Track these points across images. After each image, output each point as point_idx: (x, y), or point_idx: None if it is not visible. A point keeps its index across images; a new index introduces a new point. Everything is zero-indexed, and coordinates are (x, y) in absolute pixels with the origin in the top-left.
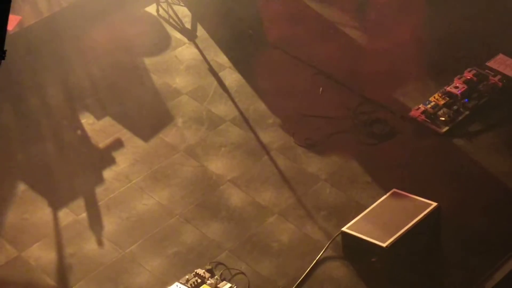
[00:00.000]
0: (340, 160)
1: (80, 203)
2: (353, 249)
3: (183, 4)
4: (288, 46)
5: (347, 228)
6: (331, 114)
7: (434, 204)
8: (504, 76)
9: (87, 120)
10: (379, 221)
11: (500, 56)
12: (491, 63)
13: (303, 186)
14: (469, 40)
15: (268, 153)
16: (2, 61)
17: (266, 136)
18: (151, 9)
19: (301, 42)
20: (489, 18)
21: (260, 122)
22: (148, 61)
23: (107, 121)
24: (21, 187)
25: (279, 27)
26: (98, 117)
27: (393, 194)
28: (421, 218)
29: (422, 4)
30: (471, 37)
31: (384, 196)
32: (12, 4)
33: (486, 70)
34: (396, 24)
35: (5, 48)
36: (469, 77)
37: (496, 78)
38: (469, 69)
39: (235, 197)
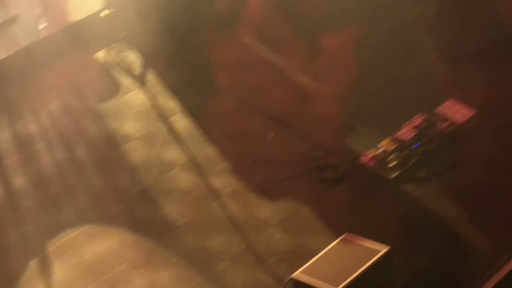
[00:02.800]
0: (292, 205)
1: (30, 247)
2: None
3: (133, 50)
4: (239, 92)
5: (299, 274)
6: (282, 159)
7: (386, 247)
8: (453, 122)
9: (35, 166)
10: (331, 266)
11: (449, 102)
12: (440, 109)
13: (254, 231)
14: (419, 85)
15: (219, 198)
16: None
17: (217, 181)
18: (102, 54)
19: (252, 87)
20: (439, 63)
21: (211, 167)
22: (98, 107)
23: (55, 165)
24: None
25: (229, 73)
26: (47, 163)
27: (345, 238)
28: (373, 262)
29: (372, 51)
30: (421, 82)
31: (336, 241)
32: None
33: (436, 116)
34: (346, 69)
35: None
36: (418, 123)
37: (445, 124)
38: (418, 115)
39: (186, 243)
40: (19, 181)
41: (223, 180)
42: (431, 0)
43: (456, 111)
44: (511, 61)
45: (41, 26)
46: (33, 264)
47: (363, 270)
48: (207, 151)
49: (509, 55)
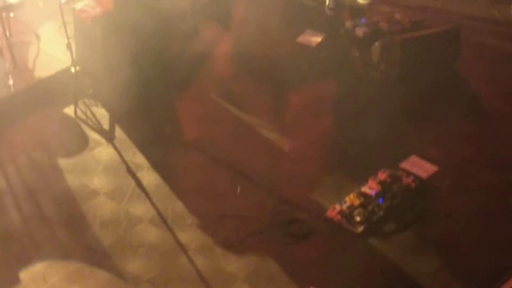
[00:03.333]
0: (259, 260)
1: None
2: None
3: (101, 106)
4: (206, 147)
5: None
6: (249, 213)
7: None
8: (417, 177)
9: (2, 220)
10: None
11: (413, 157)
12: (404, 164)
13: (222, 285)
14: (383, 141)
15: (186, 253)
16: None
17: (184, 236)
18: (70, 110)
19: (219, 142)
20: (402, 120)
21: (178, 222)
22: (65, 162)
23: (22, 222)
24: None
25: (197, 128)
26: (14, 218)
27: None
28: None
29: (338, 107)
30: (385, 138)
31: None
32: None
33: (400, 171)
34: (312, 125)
35: None
36: (383, 178)
37: (409, 179)
38: (383, 170)
39: None
40: None
41: (191, 235)
42: (395, 58)
43: (419, 167)
44: (472, 118)
45: (10, 82)
46: None
47: None
48: (174, 206)
49: (469, 113)
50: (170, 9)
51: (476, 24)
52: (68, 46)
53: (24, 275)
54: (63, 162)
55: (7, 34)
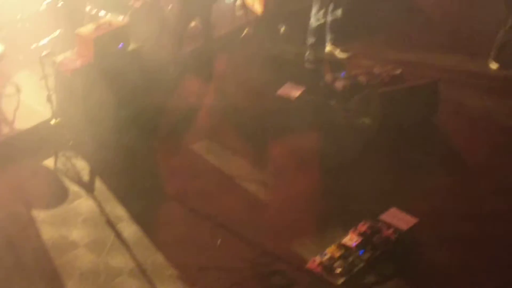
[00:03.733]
0: None
1: None
2: None
3: (81, 157)
4: (187, 199)
5: None
6: (230, 265)
7: None
8: (397, 229)
9: None
10: None
11: (393, 209)
12: (384, 217)
13: None
14: (364, 193)
15: None
16: None
17: None
18: (50, 162)
19: (200, 194)
20: (382, 172)
21: (158, 274)
22: (45, 214)
23: (2, 274)
24: None
25: (177, 180)
26: None
27: None
28: None
29: (318, 158)
30: (365, 190)
31: None
32: None
33: (380, 223)
34: (293, 177)
35: None
36: (363, 230)
37: (390, 231)
38: (363, 222)
39: None
40: None
41: (171, 287)
42: (374, 111)
43: (399, 219)
44: (451, 172)
45: None
46: None
47: None
48: (154, 258)
49: (447, 166)
50: (152, 61)
51: (455, 77)
52: (49, 98)
53: None
54: (42, 214)
55: None
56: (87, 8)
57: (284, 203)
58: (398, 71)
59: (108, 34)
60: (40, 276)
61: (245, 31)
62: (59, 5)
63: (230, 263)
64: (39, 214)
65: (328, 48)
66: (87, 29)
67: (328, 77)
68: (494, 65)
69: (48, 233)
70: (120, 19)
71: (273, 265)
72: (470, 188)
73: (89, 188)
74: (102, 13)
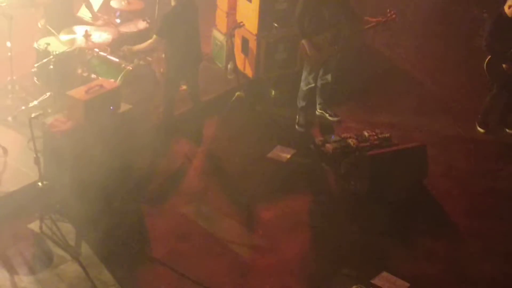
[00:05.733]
0: None
1: None
2: None
3: (67, 221)
4: (174, 263)
5: None
6: None
7: None
8: None
9: None
10: None
11: (384, 274)
12: (375, 281)
13: None
14: (355, 257)
15: None
16: None
17: None
18: (35, 225)
19: (188, 258)
20: (373, 235)
21: None
22: (28, 279)
23: None
24: None
25: (165, 243)
26: None
27: None
28: None
29: (309, 221)
30: (357, 254)
31: None
32: None
33: None
34: (283, 241)
35: None
36: None
37: None
38: (355, 287)
39: None
40: None
41: None
42: (364, 174)
43: (391, 283)
44: (440, 234)
45: None
46: None
47: None
48: None
49: (437, 228)
50: (142, 124)
51: (443, 141)
52: (36, 160)
53: None
54: (25, 280)
55: None
56: (78, 71)
57: (275, 266)
58: (387, 135)
59: (100, 97)
60: None
61: (236, 94)
62: (50, 67)
63: None
64: (22, 280)
65: (318, 111)
66: (78, 91)
67: (318, 140)
68: (481, 130)
69: None
70: (111, 81)
71: None
72: (460, 252)
73: (74, 252)
74: (93, 75)
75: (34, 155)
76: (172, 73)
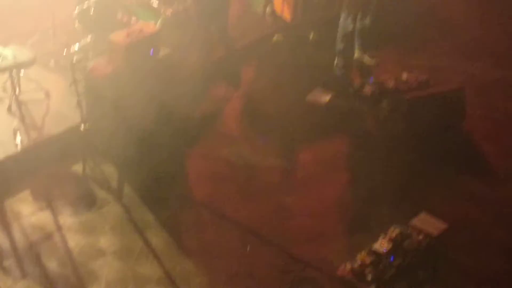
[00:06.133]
0: None
1: None
2: None
3: (110, 163)
4: (215, 205)
5: None
6: (259, 273)
7: None
8: (427, 234)
9: (4, 283)
10: None
11: (423, 214)
12: (414, 222)
13: None
14: (394, 198)
15: None
16: None
17: None
18: (78, 167)
19: (229, 200)
20: (411, 177)
21: (187, 282)
22: (72, 220)
23: (26, 284)
24: None
25: (206, 186)
26: (17, 280)
27: None
28: None
29: (348, 163)
30: (395, 195)
31: None
32: None
33: (410, 229)
34: (323, 182)
35: None
36: (394, 235)
37: (420, 237)
38: (393, 227)
39: None
40: None
41: None
42: (402, 117)
43: (430, 224)
44: (479, 176)
45: (18, 139)
46: None
47: None
48: (183, 265)
49: (476, 170)
50: (180, 67)
51: (483, 84)
52: (78, 103)
53: None
54: (69, 221)
55: (17, 91)
56: (119, 15)
57: (314, 208)
58: (424, 77)
59: (140, 41)
60: (66, 285)
61: (274, 38)
62: (91, 11)
63: (260, 270)
64: (66, 221)
65: (356, 54)
66: (119, 35)
67: (356, 82)
68: None
69: (74, 241)
70: (151, 25)
71: (303, 272)
72: (500, 193)
73: (117, 194)
74: (133, 19)
75: (76, 99)
76: (202, 18)
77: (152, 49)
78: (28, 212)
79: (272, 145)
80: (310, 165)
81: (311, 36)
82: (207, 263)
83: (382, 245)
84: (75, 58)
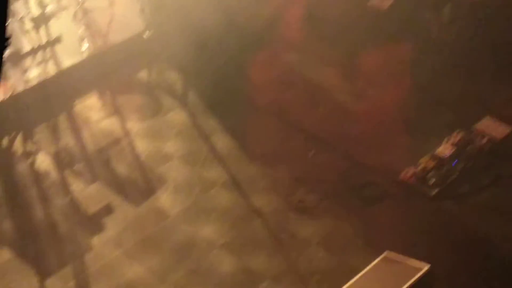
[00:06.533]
0: (332, 224)
1: (68, 271)
2: None
3: (174, 70)
4: (279, 110)
5: None
6: (322, 177)
7: (426, 266)
8: (491, 138)
9: (77, 186)
10: (373, 285)
11: (487, 118)
12: (478, 126)
13: (295, 250)
14: (457, 102)
15: (259, 217)
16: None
17: (257, 200)
18: (143, 75)
19: (292, 106)
20: (476, 81)
21: (251, 186)
22: (139, 126)
23: (97, 187)
24: (7, 255)
25: (270, 92)
26: (88, 183)
27: (385, 257)
28: (413, 280)
29: (410, 69)
30: (459, 99)
31: (377, 260)
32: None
33: (474, 133)
34: (385, 88)
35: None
36: (457, 140)
37: (484, 141)
38: (457, 132)
39: (227, 263)
40: (59, 202)
41: (264, 199)
42: (465, 21)
43: (493, 128)
44: (500, 81)
45: (84, 47)
46: (72, 286)
47: None
48: (247, 170)
49: None
50: None
51: None
52: (142, 10)
53: (97, 241)
54: (136, 127)
55: None
56: None
57: (376, 114)
58: None
59: None
60: (134, 188)
61: None
62: None
63: (323, 175)
64: (133, 127)
65: None
66: None
67: None
68: None
69: (142, 146)
70: None
71: (365, 177)
72: None
73: (182, 100)
74: None
75: (140, 5)
76: None
77: None
78: (96, 118)
79: (334, 51)
80: (372, 71)
81: None
82: (271, 168)
83: (445, 149)
84: None
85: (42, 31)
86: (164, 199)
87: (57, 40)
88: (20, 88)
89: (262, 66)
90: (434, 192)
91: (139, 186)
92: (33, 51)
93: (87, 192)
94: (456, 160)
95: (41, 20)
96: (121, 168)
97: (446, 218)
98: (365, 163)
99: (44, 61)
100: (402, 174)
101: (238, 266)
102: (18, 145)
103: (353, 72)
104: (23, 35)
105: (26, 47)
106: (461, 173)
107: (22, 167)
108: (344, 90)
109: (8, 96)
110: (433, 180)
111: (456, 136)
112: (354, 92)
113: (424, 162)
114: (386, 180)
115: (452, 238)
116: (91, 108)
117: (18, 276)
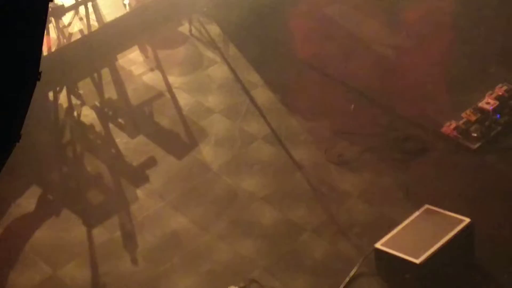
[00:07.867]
0: (373, 177)
1: (114, 221)
2: (386, 265)
3: (216, 24)
4: (320, 64)
5: (380, 245)
6: (363, 130)
7: (467, 220)
8: None
9: (121, 139)
10: (412, 237)
11: None
12: None
13: (335, 203)
14: (501, 55)
15: (300, 170)
16: (38, 82)
17: (298, 153)
18: (184, 28)
19: (333, 59)
20: None
21: (292, 139)
22: (180, 80)
23: (140, 140)
24: (57, 206)
25: (310, 45)
26: (132, 136)
27: (426, 210)
28: (454, 234)
29: (455, 22)
30: (503, 52)
31: (417, 212)
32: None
33: None
34: (427, 40)
35: (40, 70)
36: (500, 93)
37: None
38: (500, 85)
39: (268, 215)
40: (105, 154)
41: (304, 152)
42: None
43: None
44: None
45: (125, 1)
46: (118, 236)
47: (444, 242)
48: (288, 123)
49: None
50: None
51: None
52: None
53: (142, 192)
54: (178, 81)
55: None
56: None
57: (419, 67)
58: None
59: None
60: (176, 142)
61: None
62: None
63: (364, 128)
64: (175, 81)
65: None
66: None
67: None
68: None
69: (184, 99)
70: None
71: (407, 130)
72: None
73: (223, 54)
74: None
75: None
76: None
77: None
78: (139, 72)
79: (376, 2)
80: (415, 24)
81: None
82: (312, 121)
83: (488, 102)
84: None
85: None
86: (206, 152)
87: None
88: (63, 42)
89: (301, 19)
90: (476, 145)
91: (182, 140)
92: (76, 5)
93: (131, 145)
94: (500, 114)
95: None
96: (164, 122)
97: (488, 172)
98: (407, 117)
99: (86, 15)
100: (444, 127)
101: (278, 218)
102: (63, 99)
103: (396, 24)
104: None
105: (69, 1)
106: (504, 126)
107: (68, 121)
108: (386, 42)
109: (52, 50)
110: (476, 133)
111: (500, 89)
112: (396, 44)
113: (467, 115)
114: (428, 134)
115: (495, 192)
116: (134, 62)
117: (67, 226)
